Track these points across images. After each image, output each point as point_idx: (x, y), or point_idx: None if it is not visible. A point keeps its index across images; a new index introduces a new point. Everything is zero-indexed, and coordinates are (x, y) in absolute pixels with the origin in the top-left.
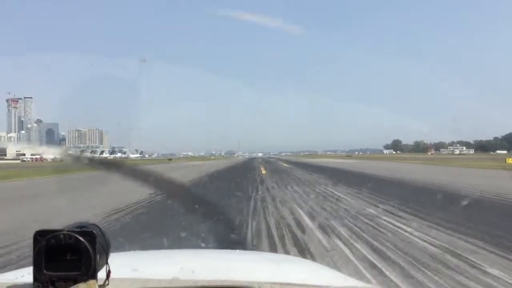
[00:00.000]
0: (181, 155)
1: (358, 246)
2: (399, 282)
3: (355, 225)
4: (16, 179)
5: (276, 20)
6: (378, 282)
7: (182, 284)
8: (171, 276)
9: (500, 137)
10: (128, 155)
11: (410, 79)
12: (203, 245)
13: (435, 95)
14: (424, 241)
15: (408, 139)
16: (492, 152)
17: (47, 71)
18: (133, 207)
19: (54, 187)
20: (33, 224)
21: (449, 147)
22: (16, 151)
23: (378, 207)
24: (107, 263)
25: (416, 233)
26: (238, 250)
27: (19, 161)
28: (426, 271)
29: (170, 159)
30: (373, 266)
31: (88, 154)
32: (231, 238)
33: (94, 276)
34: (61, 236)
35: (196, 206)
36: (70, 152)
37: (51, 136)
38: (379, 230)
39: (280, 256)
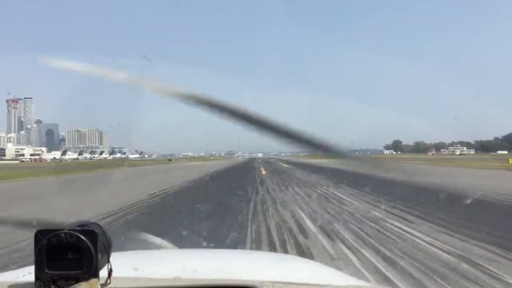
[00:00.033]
0: (181, 156)
1: (365, 252)
2: None
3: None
4: (20, 179)
5: (276, 20)
6: None
7: (184, 283)
8: (173, 275)
9: (500, 137)
10: (127, 156)
11: (410, 79)
12: (204, 244)
13: (436, 95)
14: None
15: (408, 140)
16: (492, 153)
17: (47, 71)
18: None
19: (57, 187)
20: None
21: (449, 148)
22: (16, 151)
23: (407, 219)
24: (108, 261)
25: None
26: (239, 249)
27: (18, 161)
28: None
29: (170, 160)
30: (384, 277)
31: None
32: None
33: (96, 275)
34: (63, 234)
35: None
36: None
37: (50, 137)
38: (394, 239)
39: (281, 256)
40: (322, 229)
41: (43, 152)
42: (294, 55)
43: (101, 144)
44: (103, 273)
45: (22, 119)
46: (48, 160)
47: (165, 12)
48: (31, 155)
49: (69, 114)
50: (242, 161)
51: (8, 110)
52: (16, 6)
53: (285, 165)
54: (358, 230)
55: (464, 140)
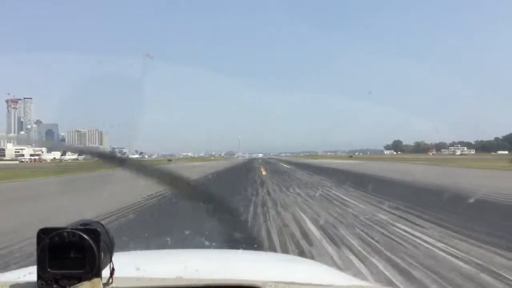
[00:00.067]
0: (181, 156)
1: (374, 260)
2: None
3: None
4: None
5: (276, 20)
6: None
7: (186, 282)
8: (175, 275)
9: (501, 138)
10: (127, 156)
11: (410, 79)
12: (206, 243)
13: (436, 95)
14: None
15: (408, 140)
16: (493, 153)
17: (47, 71)
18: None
19: (53, 189)
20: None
21: (450, 148)
22: (15, 152)
23: (423, 227)
24: (111, 261)
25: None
26: (241, 249)
27: (17, 161)
28: None
29: (170, 160)
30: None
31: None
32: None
33: (98, 274)
34: (65, 234)
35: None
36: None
37: (50, 137)
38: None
39: (283, 256)
40: (326, 234)
41: (42, 152)
42: (294, 55)
43: (101, 144)
44: (105, 272)
45: (22, 120)
46: (48, 161)
47: (165, 12)
48: (31, 155)
49: (69, 114)
50: (242, 161)
51: (8, 111)
52: (16, 6)
53: (285, 165)
54: (365, 235)
55: (465, 140)
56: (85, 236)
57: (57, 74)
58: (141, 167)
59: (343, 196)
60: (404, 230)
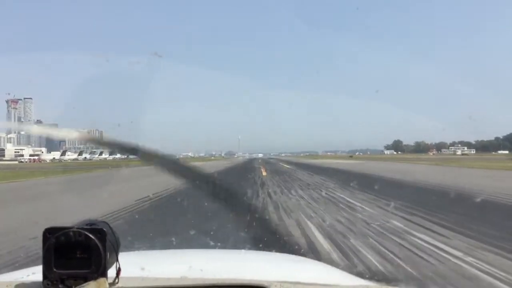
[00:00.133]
0: (181, 156)
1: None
2: None
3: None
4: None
5: (276, 20)
6: None
7: (191, 282)
8: (179, 274)
9: (501, 137)
10: (127, 156)
11: (411, 79)
12: (212, 243)
13: (436, 95)
14: None
15: (409, 140)
16: (493, 153)
17: (47, 71)
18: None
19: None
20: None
21: (450, 147)
22: (15, 151)
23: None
24: (117, 260)
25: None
26: (246, 249)
27: (16, 162)
28: None
29: None
30: None
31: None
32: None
33: (104, 274)
34: (71, 233)
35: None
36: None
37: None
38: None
39: (288, 256)
40: (336, 245)
41: (42, 152)
42: (294, 54)
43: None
44: (111, 272)
45: (22, 120)
46: (47, 161)
47: (165, 12)
48: (30, 155)
49: (69, 114)
50: (242, 161)
51: (8, 111)
52: (16, 6)
53: (286, 165)
54: (378, 246)
55: (465, 140)
56: (91, 235)
57: (57, 74)
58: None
59: (347, 198)
60: (422, 240)
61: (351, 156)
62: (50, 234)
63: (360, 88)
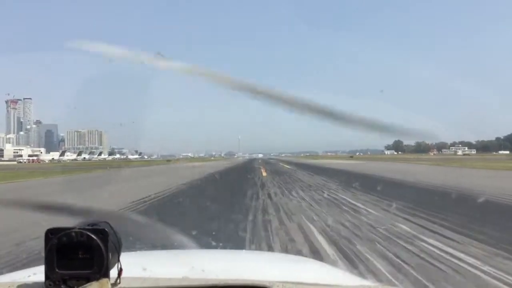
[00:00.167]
0: (181, 156)
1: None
2: None
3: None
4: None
5: (276, 20)
6: None
7: (193, 283)
8: (181, 275)
9: (502, 138)
10: (127, 156)
11: (411, 79)
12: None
13: (437, 95)
14: None
15: (409, 140)
16: (494, 153)
17: (47, 71)
18: None
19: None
20: None
21: (450, 148)
22: (14, 152)
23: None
24: (119, 261)
25: None
26: (247, 250)
27: (15, 162)
28: None
29: (169, 161)
30: None
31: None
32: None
33: (106, 275)
34: (73, 234)
35: None
36: None
37: (50, 137)
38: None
39: (290, 256)
40: (341, 251)
41: (41, 153)
42: (294, 54)
43: (100, 144)
44: (113, 273)
45: (21, 120)
46: (46, 161)
47: (165, 12)
48: (29, 155)
49: (69, 114)
50: (242, 161)
51: (8, 111)
52: (16, 6)
53: (286, 165)
54: (385, 250)
55: (465, 140)
56: (93, 236)
57: (57, 74)
58: None
59: (350, 200)
60: (433, 245)
61: (351, 156)
62: (52, 234)
63: (360, 88)
